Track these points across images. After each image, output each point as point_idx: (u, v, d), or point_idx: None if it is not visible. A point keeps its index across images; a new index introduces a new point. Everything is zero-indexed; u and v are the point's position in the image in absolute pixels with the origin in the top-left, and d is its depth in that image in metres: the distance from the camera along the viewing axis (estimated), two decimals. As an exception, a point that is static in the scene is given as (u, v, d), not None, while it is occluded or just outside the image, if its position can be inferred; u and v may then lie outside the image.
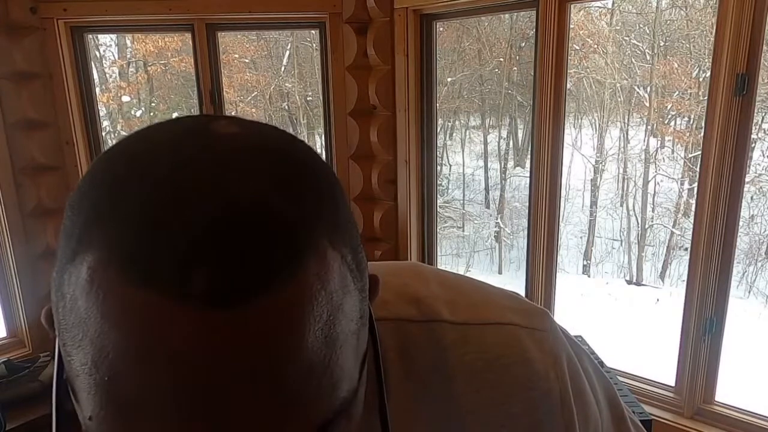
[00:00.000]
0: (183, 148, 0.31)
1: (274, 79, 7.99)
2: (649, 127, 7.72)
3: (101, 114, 2.70)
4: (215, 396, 0.27)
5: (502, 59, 7.93)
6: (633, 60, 7.63)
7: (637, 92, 7.78)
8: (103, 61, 7.50)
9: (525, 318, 0.51)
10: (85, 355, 0.28)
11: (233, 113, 7.62)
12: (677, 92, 7.38)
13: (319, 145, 5.49)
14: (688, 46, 7.21)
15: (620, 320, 5.95)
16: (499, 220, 8.25)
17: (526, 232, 2.14)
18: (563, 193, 5.40)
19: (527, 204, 2.09)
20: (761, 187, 6.77)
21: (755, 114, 1.57)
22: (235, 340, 0.27)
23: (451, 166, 8.59)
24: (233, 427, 0.28)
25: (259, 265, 0.27)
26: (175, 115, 7.46)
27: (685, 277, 4.70)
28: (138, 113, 7.50)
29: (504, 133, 8.61)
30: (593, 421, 0.53)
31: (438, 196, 2.65)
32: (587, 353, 0.57)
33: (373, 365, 0.36)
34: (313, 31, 2.59)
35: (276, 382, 0.28)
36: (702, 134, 1.68)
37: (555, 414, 0.49)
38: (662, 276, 7.49)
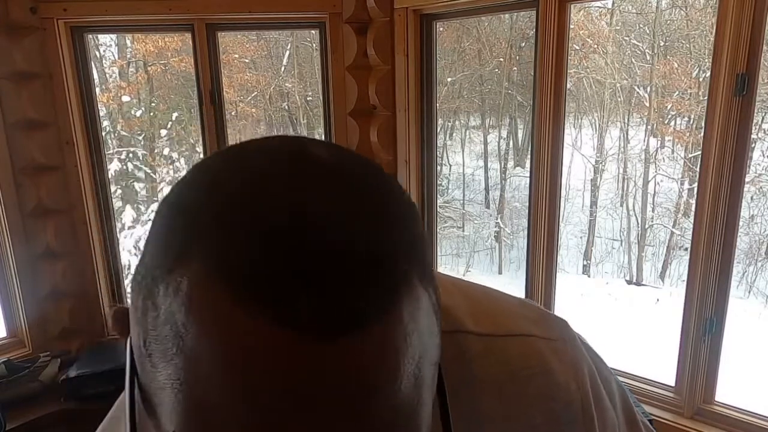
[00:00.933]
0: (284, 176, 0.31)
1: (274, 79, 7.99)
2: (649, 127, 7.72)
3: (101, 114, 2.70)
4: (308, 426, 0.27)
5: (502, 59, 7.93)
6: (633, 60, 7.63)
7: (637, 92, 7.78)
8: (103, 61, 7.50)
9: (545, 329, 0.52)
10: (177, 370, 0.28)
11: (233, 113, 7.63)
12: (677, 92, 7.38)
13: (319, 145, 5.47)
14: (688, 46, 7.21)
15: (620, 320, 5.95)
16: (499, 220, 8.25)
17: (526, 232, 2.14)
18: (563, 193, 5.40)
19: (527, 204, 2.09)
20: (761, 187, 6.77)
21: (755, 114, 1.57)
22: (331, 372, 0.27)
23: (451, 166, 8.59)
24: None
25: (360, 300, 0.27)
26: (175, 115, 7.44)
27: (685, 277, 4.70)
28: (138, 113, 7.50)
29: (504, 133, 8.61)
30: (610, 426, 0.54)
31: (438, 196, 2.65)
32: (602, 358, 0.58)
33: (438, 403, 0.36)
34: (313, 31, 2.59)
35: (366, 419, 0.28)
36: (702, 134, 1.68)
37: (577, 423, 0.50)
38: (662, 276, 7.49)
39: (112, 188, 4.87)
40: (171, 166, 7.25)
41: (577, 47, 7.46)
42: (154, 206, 6.98)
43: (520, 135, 8.70)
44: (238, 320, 0.26)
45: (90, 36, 2.42)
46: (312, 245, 0.27)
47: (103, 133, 2.65)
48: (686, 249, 6.77)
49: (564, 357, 0.51)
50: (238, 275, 0.27)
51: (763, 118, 6.44)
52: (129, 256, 6.56)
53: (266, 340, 0.26)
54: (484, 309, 0.51)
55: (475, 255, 8.01)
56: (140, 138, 7.38)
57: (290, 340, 0.26)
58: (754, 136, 5.97)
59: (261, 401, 0.26)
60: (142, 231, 6.76)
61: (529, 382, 0.48)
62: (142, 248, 0.35)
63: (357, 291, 0.27)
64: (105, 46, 7.43)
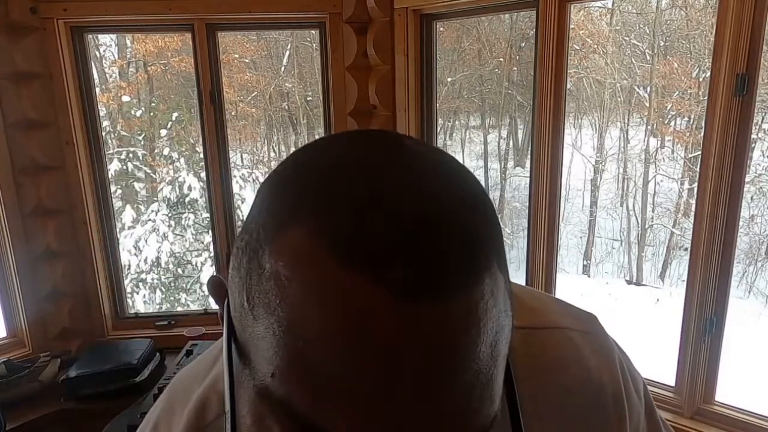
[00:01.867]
0: (385, 155, 0.33)
1: (274, 79, 7.99)
2: (649, 127, 7.72)
3: (101, 114, 2.70)
4: (400, 383, 0.29)
5: (502, 59, 7.94)
6: (633, 60, 7.63)
7: (637, 92, 7.78)
8: (103, 61, 7.50)
9: (578, 322, 0.55)
10: (279, 319, 0.30)
11: (233, 113, 7.63)
12: (677, 92, 7.38)
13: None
14: (688, 46, 7.22)
15: (620, 320, 5.95)
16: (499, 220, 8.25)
17: (526, 232, 2.14)
18: (563, 193, 5.40)
19: (527, 204, 2.09)
20: (761, 187, 6.77)
21: (755, 114, 1.57)
22: (425, 333, 0.29)
23: (451, 166, 8.58)
24: (407, 419, 0.29)
25: (450, 269, 0.29)
26: (175, 115, 7.43)
27: (685, 277, 4.70)
28: (138, 113, 7.50)
29: (504, 133, 8.62)
30: (636, 415, 0.57)
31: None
32: (624, 351, 0.60)
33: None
34: (313, 31, 2.59)
35: (450, 381, 0.30)
36: (702, 134, 1.68)
37: (608, 411, 0.52)
38: (662, 276, 7.49)
39: (112, 188, 4.87)
40: (171, 166, 7.25)
41: (577, 47, 7.46)
42: (154, 206, 6.98)
43: (520, 135, 8.70)
44: (340, 278, 0.28)
45: (90, 36, 2.42)
46: (411, 216, 0.29)
47: (103, 133, 2.65)
48: (686, 249, 6.77)
49: (597, 348, 0.54)
50: (342, 237, 0.29)
51: (763, 118, 6.44)
52: (129, 256, 6.56)
53: (365, 299, 0.28)
54: (521, 303, 0.53)
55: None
56: (140, 138, 7.38)
57: (387, 299, 0.28)
58: (754, 136, 5.96)
59: (357, 351, 0.28)
60: (142, 231, 6.76)
61: (565, 372, 0.51)
62: (244, 219, 0.37)
63: (450, 262, 0.29)
64: (105, 46, 7.44)
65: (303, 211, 0.31)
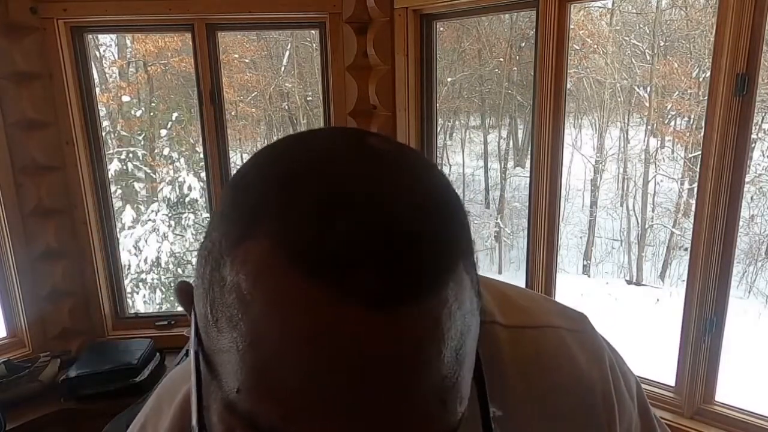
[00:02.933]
0: (346, 157, 0.33)
1: (274, 79, 7.99)
2: (649, 127, 7.72)
3: (101, 114, 2.70)
4: (365, 395, 0.29)
5: (502, 59, 7.94)
6: (633, 60, 7.64)
7: (637, 92, 7.78)
8: (103, 61, 7.50)
9: (568, 321, 0.55)
10: (242, 334, 0.29)
11: (233, 113, 7.63)
12: (677, 92, 7.38)
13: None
14: (688, 46, 7.22)
15: (620, 320, 5.95)
16: (499, 220, 8.26)
17: (526, 232, 2.14)
18: (563, 193, 5.40)
19: (527, 204, 2.09)
20: (761, 187, 6.77)
21: (755, 114, 1.57)
22: (389, 343, 0.29)
23: (451, 166, 8.59)
24: (373, 425, 0.29)
25: (413, 276, 0.29)
26: (175, 115, 7.43)
27: (685, 277, 4.70)
28: (138, 113, 7.50)
29: (504, 133, 8.61)
30: (627, 414, 0.57)
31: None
32: (617, 351, 0.60)
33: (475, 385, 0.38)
34: (313, 31, 2.59)
35: (416, 387, 0.30)
36: (702, 134, 1.68)
37: (598, 409, 0.53)
38: (662, 276, 7.49)
39: (112, 188, 4.86)
40: (171, 166, 7.25)
41: (577, 47, 7.46)
42: (154, 206, 6.98)
43: (520, 135, 8.70)
44: (302, 291, 0.28)
45: (90, 36, 2.42)
46: (373, 223, 0.29)
47: (103, 133, 2.65)
48: (686, 249, 6.77)
49: (587, 347, 0.54)
50: (301, 249, 0.29)
51: (763, 118, 6.44)
52: (129, 256, 6.56)
53: (327, 311, 0.28)
54: (512, 302, 0.54)
55: (475, 255, 8.00)
56: (140, 138, 7.38)
57: (350, 310, 0.28)
58: (754, 136, 5.97)
59: (320, 365, 0.28)
60: (142, 231, 6.76)
61: (555, 371, 0.51)
62: (207, 225, 0.37)
63: (412, 269, 0.29)
64: (105, 46, 7.44)
65: (263, 220, 0.30)
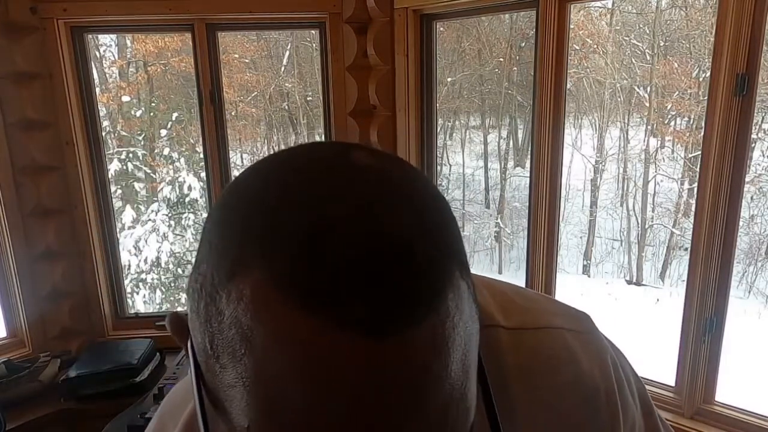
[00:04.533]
0: (330, 180, 0.32)
1: (274, 79, 7.98)
2: (649, 127, 7.72)
3: (101, 114, 2.70)
4: (375, 423, 0.28)
5: (502, 59, 7.93)
6: (633, 60, 7.63)
7: (637, 92, 7.78)
8: (103, 61, 7.50)
9: (571, 322, 0.54)
10: (246, 369, 0.29)
11: (233, 113, 7.63)
12: (677, 92, 7.38)
13: (319, 145, 5.46)
14: (688, 46, 7.21)
15: (620, 320, 5.95)
16: (499, 220, 8.25)
17: (526, 232, 2.14)
18: (563, 193, 5.40)
19: (527, 204, 2.09)
20: (761, 187, 6.77)
21: (755, 114, 1.57)
22: (390, 368, 0.28)
23: (451, 166, 8.59)
24: None
25: (410, 298, 0.29)
26: (175, 115, 7.41)
27: (685, 277, 4.70)
28: (138, 113, 7.50)
29: (504, 133, 8.61)
30: (630, 415, 0.56)
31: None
32: (621, 351, 0.60)
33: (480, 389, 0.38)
34: (313, 31, 2.59)
35: (425, 409, 0.29)
36: (702, 134, 1.68)
37: (601, 410, 0.52)
38: (662, 276, 7.49)
39: (112, 188, 4.87)
40: (171, 166, 7.25)
41: (577, 47, 7.46)
42: (154, 206, 6.98)
43: (520, 135, 8.70)
44: (301, 325, 0.28)
45: (90, 36, 2.42)
46: (362, 249, 0.29)
47: (103, 133, 2.65)
48: (686, 249, 6.77)
49: (589, 347, 0.53)
50: (294, 281, 0.28)
51: (763, 118, 6.44)
52: (129, 256, 6.56)
53: (328, 343, 0.28)
54: (512, 304, 0.53)
55: (475, 255, 8.01)
56: (140, 138, 7.38)
57: (351, 341, 0.28)
58: (754, 136, 5.97)
59: (328, 398, 0.28)
60: (142, 231, 6.76)
61: (557, 372, 0.51)
62: (195, 255, 0.36)
63: (407, 291, 0.29)
64: (105, 46, 7.43)
65: (252, 254, 0.30)
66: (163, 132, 7.29)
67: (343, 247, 0.28)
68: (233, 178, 0.36)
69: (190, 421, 0.50)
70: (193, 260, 0.36)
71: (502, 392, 0.49)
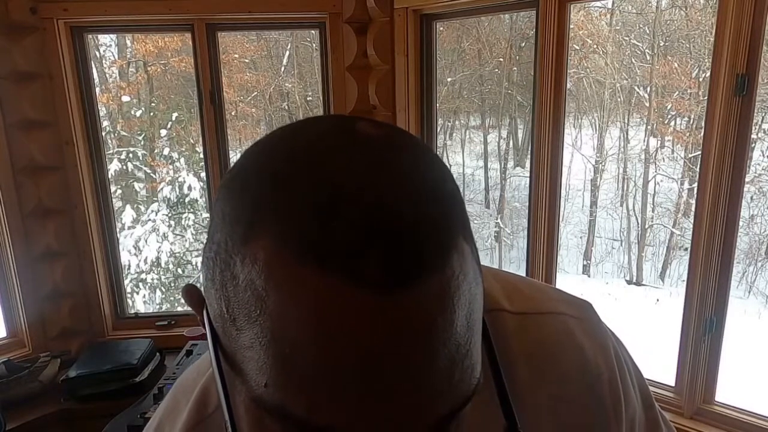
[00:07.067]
0: (338, 147, 0.34)
1: (274, 79, 7.98)
2: (649, 127, 7.72)
3: (101, 114, 2.70)
4: (387, 374, 0.30)
5: (502, 59, 7.93)
6: (633, 60, 7.63)
7: (637, 92, 7.78)
8: (103, 61, 7.50)
9: (574, 309, 0.55)
10: (263, 330, 0.31)
11: (233, 113, 7.63)
12: (677, 92, 7.38)
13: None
14: (688, 46, 7.22)
15: (620, 320, 5.95)
16: (499, 220, 8.25)
17: (526, 232, 2.14)
18: (563, 193, 5.40)
19: (527, 204, 2.09)
20: (761, 187, 6.77)
21: (755, 114, 1.57)
22: (403, 322, 0.30)
23: (451, 166, 8.58)
24: (399, 405, 0.30)
25: (416, 256, 0.30)
26: (175, 115, 7.42)
27: (685, 277, 4.70)
28: (138, 113, 7.50)
29: (504, 133, 8.61)
30: (632, 405, 0.56)
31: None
32: (621, 342, 0.60)
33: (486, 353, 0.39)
34: (313, 31, 2.59)
35: (434, 361, 0.31)
36: (702, 134, 1.68)
37: (604, 397, 0.52)
38: (662, 276, 7.49)
39: (112, 188, 4.86)
40: (171, 166, 7.25)
41: (577, 47, 7.46)
42: (154, 206, 6.98)
43: (520, 135, 8.70)
44: (314, 283, 0.29)
45: (90, 36, 2.42)
46: (372, 209, 0.30)
47: (103, 133, 2.65)
48: (686, 249, 6.77)
49: (592, 335, 0.54)
50: (307, 241, 0.30)
51: (763, 118, 6.44)
52: (129, 256, 6.56)
53: (341, 299, 0.29)
54: (517, 290, 0.54)
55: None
56: (140, 138, 7.37)
57: (362, 296, 0.29)
58: (754, 136, 5.97)
59: (342, 352, 0.29)
60: (142, 231, 6.76)
61: (561, 358, 0.51)
62: (208, 228, 0.37)
63: (415, 248, 0.30)
64: (105, 46, 7.43)
65: (264, 219, 0.31)
66: (163, 132, 7.28)
67: (354, 209, 0.30)
68: (240, 155, 0.37)
69: (203, 394, 0.51)
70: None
71: (507, 376, 0.49)
